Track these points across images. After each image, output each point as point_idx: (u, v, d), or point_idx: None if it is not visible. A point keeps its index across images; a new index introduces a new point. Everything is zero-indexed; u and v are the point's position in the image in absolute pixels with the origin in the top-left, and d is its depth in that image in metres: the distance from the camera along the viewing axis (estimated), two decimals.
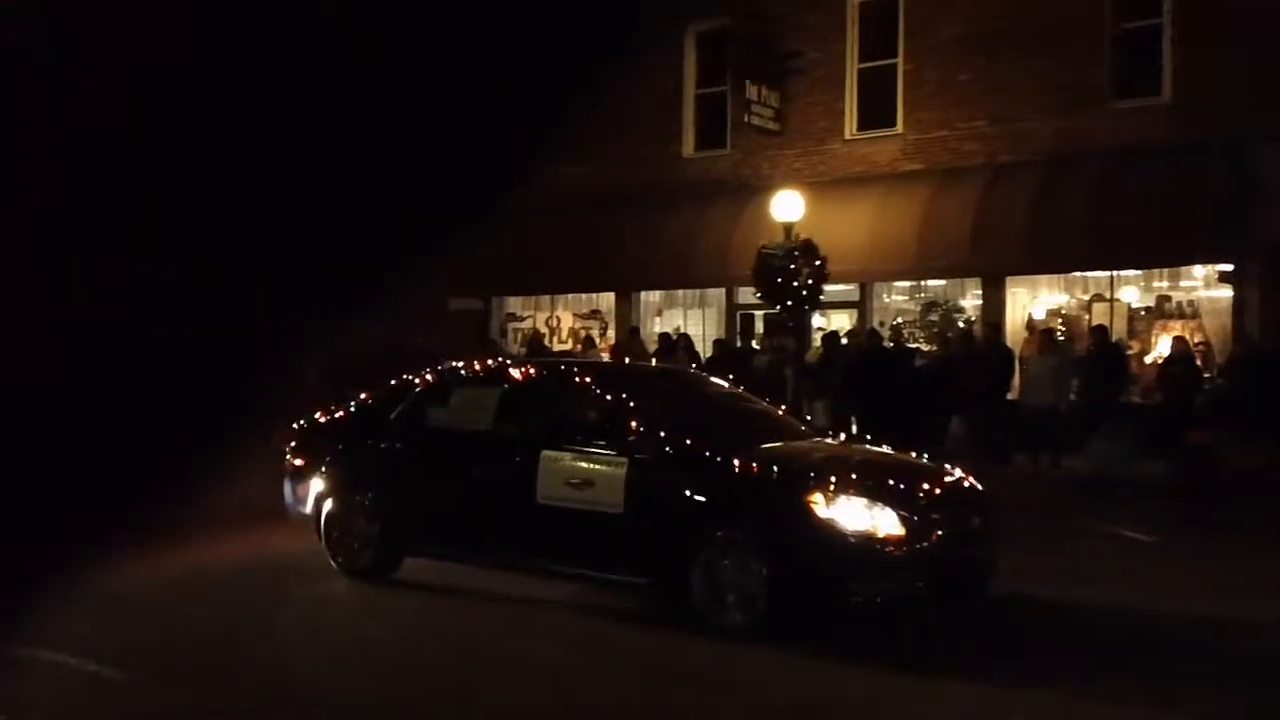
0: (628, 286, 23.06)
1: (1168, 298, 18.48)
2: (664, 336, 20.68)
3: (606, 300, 23.91)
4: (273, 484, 10.23)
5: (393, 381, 10.74)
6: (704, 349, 20.49)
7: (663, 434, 8.19)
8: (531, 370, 9.91)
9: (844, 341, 19.05)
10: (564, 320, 24.77)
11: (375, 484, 9.47)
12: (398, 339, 22.22)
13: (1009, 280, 19.20)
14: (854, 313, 20.88)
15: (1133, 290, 18.73)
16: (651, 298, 23.53)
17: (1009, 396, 16.80)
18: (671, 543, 7.84)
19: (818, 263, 17.79)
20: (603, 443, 8.28)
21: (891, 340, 18.79)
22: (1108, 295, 18.74)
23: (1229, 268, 17.32)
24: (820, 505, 7.43)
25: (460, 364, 11.26)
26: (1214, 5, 17.12)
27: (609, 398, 8.72)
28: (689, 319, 22.93)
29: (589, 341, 22.56)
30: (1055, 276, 19.19)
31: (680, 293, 23.14)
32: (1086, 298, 19.03)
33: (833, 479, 7.60)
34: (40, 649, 6.69)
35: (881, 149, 20.69)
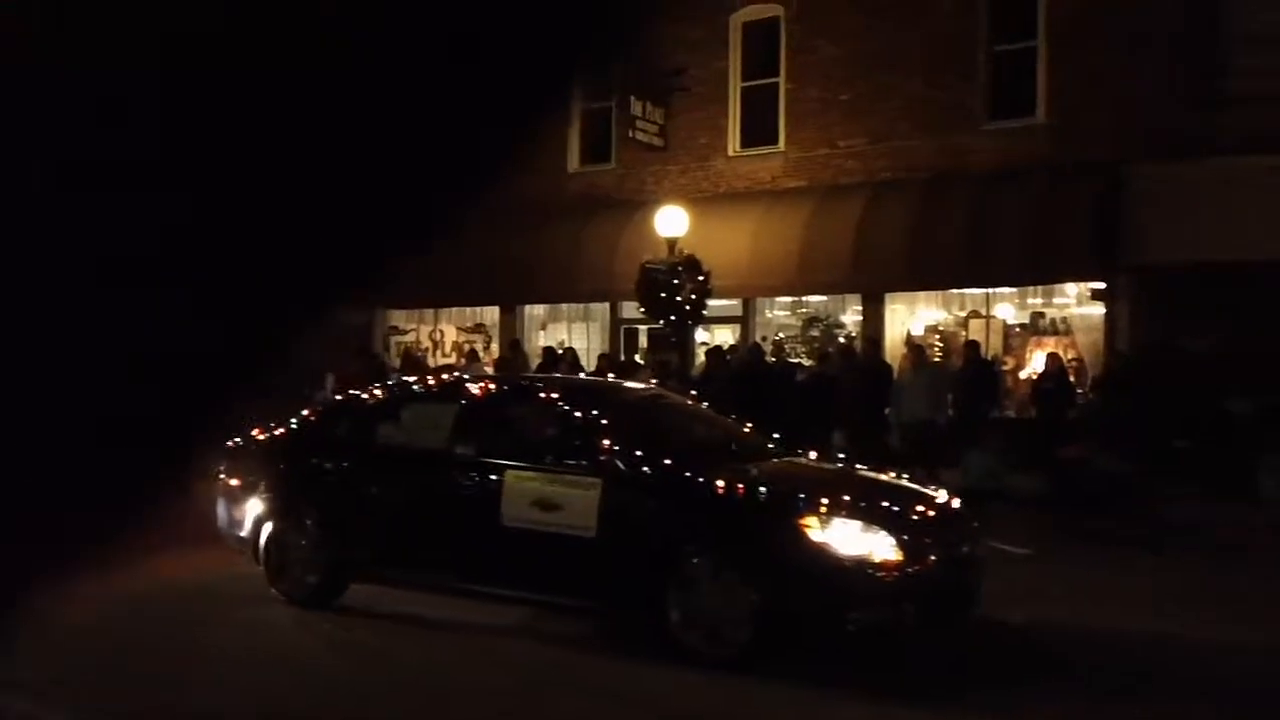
0: (511, 300, 22.92)
1: (1041, 315, 18.87)
2: (548, 350, 20.56)
3: (491, 314, 23.73)
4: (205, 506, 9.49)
5: (337, 397, 10.28)
6: (589, 363, 20.41)
7: (638, 453, 7.82)
8: (491, 386, 9.42)
9: (728, 357, 19.13)
10: (447, 333, 24.53)
11: (320, 505, 8.98)
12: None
13: (889, 297, 19.45)
14: (737, 328, 20.98)
15: (1008, 307, 19.09)
16: (536, 311, 23.41)
17: (885, 411, 16.99)
18: (648, 568, 7.42)
19: (701, 278, 17.85)
20: (573, 462, 7.88)
21: (774, 355, 18.91)
22: (984, 312, 19.08)
23: (1101, 286, 17.73)
24: (814, 529, 7.10)
25: (412, 379, 10.70)
26: (1087, 29, 17.56)
27: (578, 414, 8.31)
28: (573, 333, 22.84)
29: (473, 355, 22.35)
30: (934, 293, 19.48)
31: (565, 306, 23.04)
32: (963, 314, 19.35)
33: (824, 501, 7.27)
34: None
35: (764, 166, 20.86)
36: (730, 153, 21.27)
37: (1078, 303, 18.52)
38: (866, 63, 19.53)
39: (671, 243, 18.36)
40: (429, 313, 24.67)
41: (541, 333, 23.16)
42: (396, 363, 23.75)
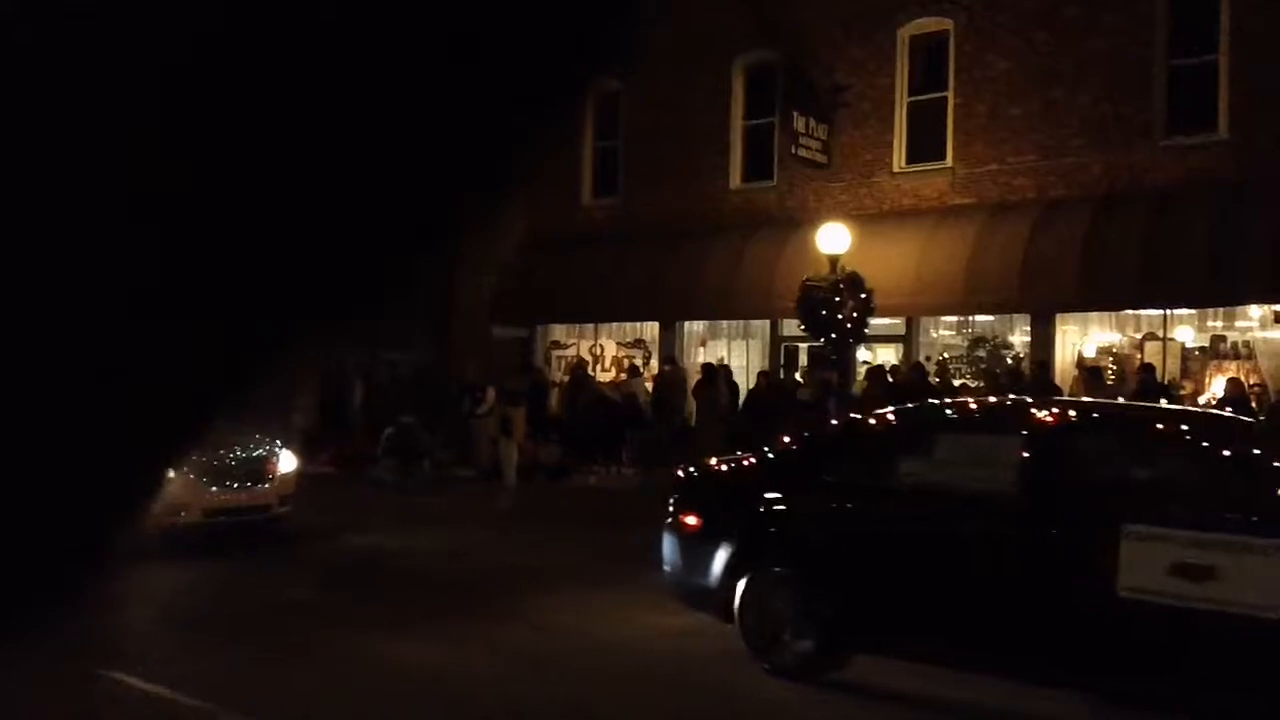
0: (671, 316, 22.93)
1: (1222, 338, 18.12)
2: (707, 366, 20.55)
3: (650, 330, 23.79)
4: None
5: (833, 422, 8.89)
6: (747, 380, 20.31)
7: None
8: (1072, 413, 7.49)
9: (889, 376, 18.83)
10: (607, 349, 24.68)
11: (816, 557, 7.45)
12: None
13: (1059, 317, 18.90)
14: (900, 347, 20.64)
15: (1187, 329, 18.39)
16: (695, 328, 23.38)
17: None
18: None
19: (863, 296, 17.61)
20: (1228, 517, 6.10)
21: (937, 375, 18.55)
22: (1160, 334, 18.39)
23: None
24: None
25: (945, 403, 8.97)
26: (1272, 43, 16.83)
27: (1225, 453, 6.61)
28: (733, 350, 22.75)
29: (633, 370, 22.45)
30: (1106, 314, 18.88)
31: (724, 324, 22.98)
32: (1139, 336, 18.70)
33: None
34: None
35: (930, 183, 20.47)
36: (895, 169, 20.92)
37: (1261, 326, 17.75)
38: (1038, 77, 19.04)
39: (833, 260, 18.15)
40: (589, 328, 24.87)
41: (701, 349, 23.13)
42: (557, 377, 24.04)
